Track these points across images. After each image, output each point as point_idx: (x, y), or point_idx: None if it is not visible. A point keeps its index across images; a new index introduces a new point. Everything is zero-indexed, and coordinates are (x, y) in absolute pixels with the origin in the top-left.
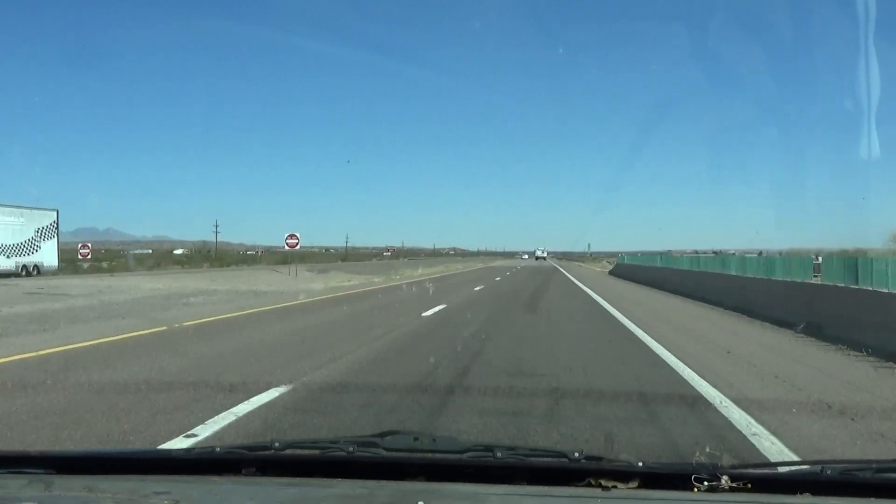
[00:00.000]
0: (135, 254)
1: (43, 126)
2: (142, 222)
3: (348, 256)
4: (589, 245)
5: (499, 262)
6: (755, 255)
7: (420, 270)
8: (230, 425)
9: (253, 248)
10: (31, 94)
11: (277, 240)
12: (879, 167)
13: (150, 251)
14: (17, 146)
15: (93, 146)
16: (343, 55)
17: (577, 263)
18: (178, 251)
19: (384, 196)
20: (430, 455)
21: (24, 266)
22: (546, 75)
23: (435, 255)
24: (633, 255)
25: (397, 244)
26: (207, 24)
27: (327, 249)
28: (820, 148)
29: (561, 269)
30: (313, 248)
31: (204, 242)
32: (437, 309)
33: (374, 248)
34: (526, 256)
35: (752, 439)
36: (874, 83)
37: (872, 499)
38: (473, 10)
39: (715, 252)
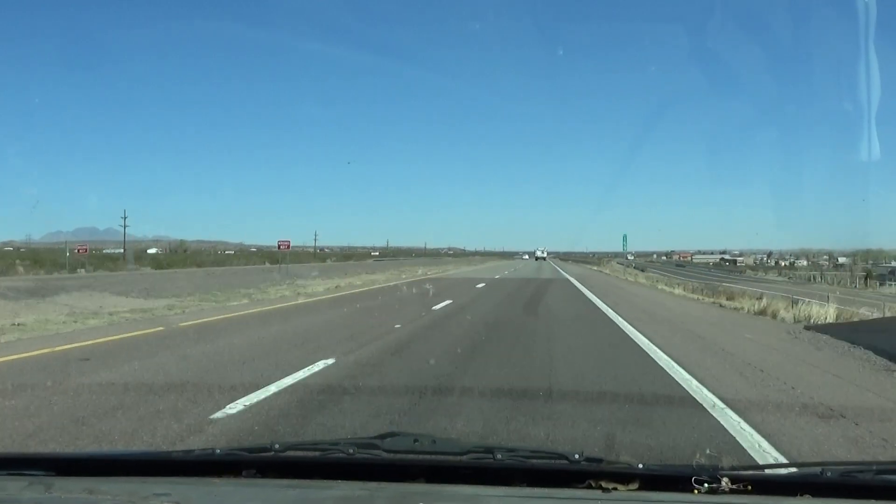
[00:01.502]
0: (107, 252)
1: (42, 127)
2: (142, 222)
3: (300, 257)
4: (625, 237)
5: (490, 264)
6: (764, 256)
7: (338, 281)
8: None
9: (244, 247)
10: (31, 94)
11: (275, 239)
12: (879, 169)
13: (123, 250)
14: (16, 147)
15: (93, 146)
16: (342, 56)
17: (594, 268)
18: (152, 250)
19: (384, 196)
20: (430, 457)
21: None
22: (545, 76)
23: (426, 255)
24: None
25: (382, 244)
26: (207, 24)
27: (321, 249)
28: (819, 149)
29: (579, 287)
30: (308, 247)
31: (181, 241)
32: None
33: (370, 248)
34: (526, 257)
35: None
36: (874, 84)
37: (873, 501)
38: (472, 10)
39: (722, 255)
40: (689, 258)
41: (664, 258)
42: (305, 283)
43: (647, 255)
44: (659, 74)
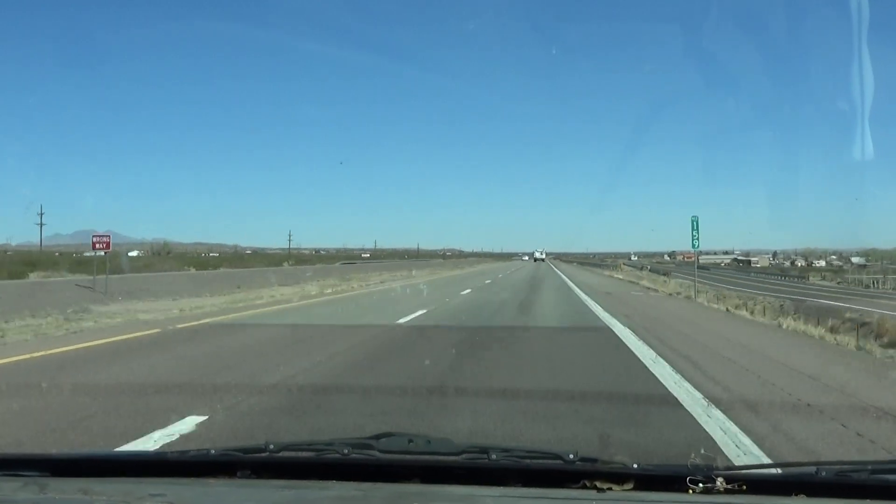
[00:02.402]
0: (83, 255)
1: (41, 129)
2: (141, 224)
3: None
4: (695, 222)
5: (479, 267)
6: (769, 255)
7: (192, 302)
8: None
9: (239, 249)
10: (29, 95)
11: (274, 241)
12: (873, 168)
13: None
14: (14, 148)
15: (91, 148)
16: (339, 56)
17: (617, 276)
18: (133, 253)
19: (383, 197)
20: (425, 457)
21: None
22: (542, 76)
23: (419, 256)
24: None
25: (384, 245)
26: (205, 25)
27: (317, 251)
28: (814, 149)
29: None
30: (303, 249)
31: (165, 243)
32: None
33: (373, 250)
34: (526, 258)
35: None
36: (868, 84)
37: (868, 500)
38: (469, 10)
39: (726, 254)
40: (695, 258)
41: (667, 258)
42: (103, 311)
43: (649, 255)
44: (655, 74)
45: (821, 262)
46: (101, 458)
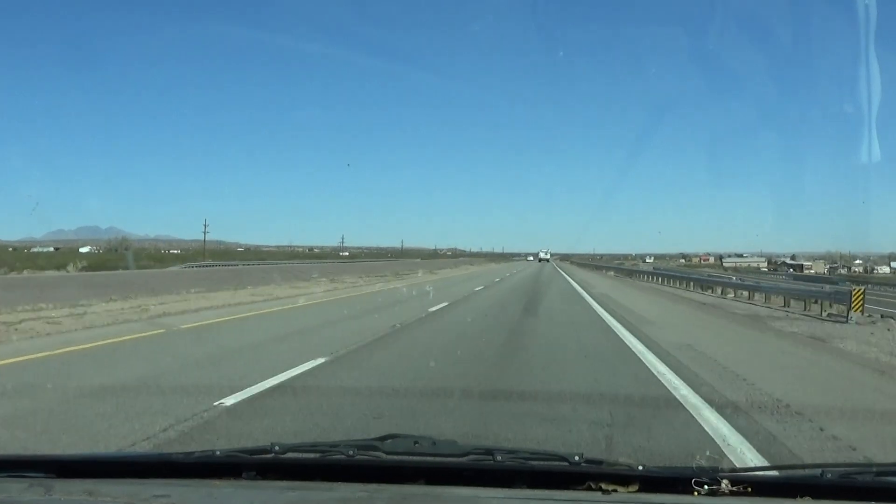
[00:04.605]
0: (36, 251)
1: (45, 127)
2: (144, 221)
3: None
4: None
5: (443, 275)
6: (788, 258)
7: None
8: None
9: (229, 247)
10: (31, 95)
11: (274, 240)
12: (879, 171)
13: (52, 249)
14: (17, 147)
15: (95, 146)
16: (342, 58)
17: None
18: (85, 249)
19: (386, 198)
20: (430, 458)
21: None
22: (545, 78)
23: (405, 255)
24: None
25: (395, 244)
26: (207, 27)
27: (312, 249)
28: (820, 152)
29: None
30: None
31: (123, 239)
32: None
33: (388, 249)
34: (531, 258)
35: None
36: (875, 87)
37: (873, 502)
38: (473, 13)
39: (740, 256)
40: (716, 261)
41: (682, 261)
42: None
43: (657, 257)
44: (660, 77)
45: (884, 268)
46: (106, 459)
